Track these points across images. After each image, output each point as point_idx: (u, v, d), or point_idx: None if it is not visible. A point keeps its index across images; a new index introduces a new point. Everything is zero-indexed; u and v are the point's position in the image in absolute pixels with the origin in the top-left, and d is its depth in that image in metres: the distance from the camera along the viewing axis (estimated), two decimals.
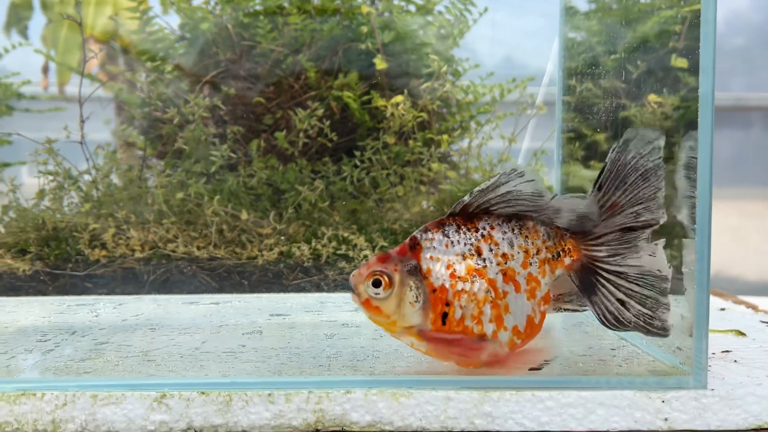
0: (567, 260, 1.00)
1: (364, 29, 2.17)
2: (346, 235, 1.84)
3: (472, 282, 0.96)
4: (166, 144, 2.13)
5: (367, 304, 0.97)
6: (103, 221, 1.79)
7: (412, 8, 2.28)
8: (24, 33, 2.72)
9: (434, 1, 2.26)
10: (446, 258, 0.96)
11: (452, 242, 0.97)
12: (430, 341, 0.97)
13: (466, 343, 0.96)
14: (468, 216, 0.98)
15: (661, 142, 1.00)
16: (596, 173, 1.88)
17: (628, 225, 0.98)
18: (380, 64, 2.10)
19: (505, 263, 0.97)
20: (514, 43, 2.45)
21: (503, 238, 0.98)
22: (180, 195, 1.87)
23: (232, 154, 1.96)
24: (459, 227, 0.98)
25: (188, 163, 1.99)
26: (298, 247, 1.83)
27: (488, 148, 2.26)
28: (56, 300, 1.66)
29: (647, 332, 0.99)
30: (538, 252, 0.99)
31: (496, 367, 1.00)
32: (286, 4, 2.15)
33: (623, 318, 0.99)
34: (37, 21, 2.60)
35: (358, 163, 2.03)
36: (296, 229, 1.88)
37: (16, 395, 0.95)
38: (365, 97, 2.10)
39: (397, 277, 0.96)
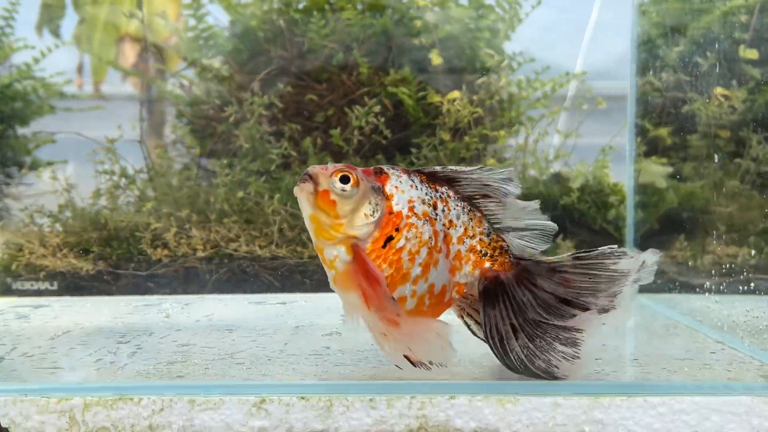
0: (487, 265, 1.00)
1: (417, 24, 2.13)
2: None
3: (424, 223, 0.97)
4: (217, 143, 2.12)
5: (324, 195, 0.94)
6: (164, 220, 1.78)
7: (464, 2, 2.23)
8: (56, 32, 2.72)
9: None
10: (408, 193, 0.98)
11: (416, 186, 0.99)
12: (357, 259, 0.93)
13: (379, 289, 0.93)
14: (432, 178, 1.01)
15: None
16: (667, 169, 1.83)
17: (563, 297, 0.97)
18: (436, 59, 2.07)
19: (449, 228, 0.99)
20: (566, 36, 2.40)
21: (455, 207, 1.00)
22: (240, 194, 1.85)
23: (292, 152, 1.93)
24: (422, 181, 1.00)
25: (245, 162, 1.97)
26: None
27: (544, 144, 2.22)
28: (122, 300, 1.65)
29: (525, 367, 0.97)
30: (473, 236, 1.00)
31: (392, 323, 0.94)
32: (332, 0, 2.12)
33: (508, 343, 0.97)
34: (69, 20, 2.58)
35: (414, 161, 2.00)
36: None
37: (113, 400, 0.93)
38: (421, 93, 2.06)
39: (363, 185, 0.95)
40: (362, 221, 0.95)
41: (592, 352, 0.99)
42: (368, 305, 0.94)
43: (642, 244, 1.80)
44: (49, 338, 1.24)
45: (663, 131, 2.00)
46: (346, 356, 1.11)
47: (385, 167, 0.99)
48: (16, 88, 2.19)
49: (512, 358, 0.97)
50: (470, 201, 1.01)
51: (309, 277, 1.79)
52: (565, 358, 0.96)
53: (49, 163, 2.12)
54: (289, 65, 2.15)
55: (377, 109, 1.99)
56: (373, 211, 0.95)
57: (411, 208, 0.97)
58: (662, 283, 1.65)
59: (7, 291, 1.71)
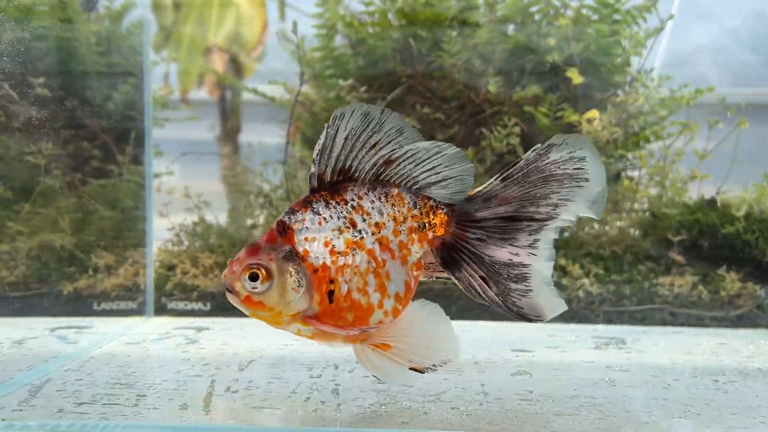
0: (430, 234, 0.97)
1: (551, 41, 2.08)
2: (562, 262, 1.76)
3: (353, 255, 0.93)
4: None
5: (248, 300, 0.92)
6: None
7: (596, 17, 2.16)
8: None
9: (619, 9, 2.14)
10: (322, 236, 0.93)
11: (324, 219, 0.93)
12: (315, 326, 0.93)
13: (349, 334, 0.93)
14: (332, 189, 0.93)
15: (584, 153, 0.94)
16: None
17: (509, 214, 0.96)
18: (576, 77, 2.00)
19: (379, 232, 0.95)
20: (694, 50, 2.31)
21: (373, 207, 0.95)
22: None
23: None
24: (327, 202, 0.94)
25: None
26: None
27: (681, 164, 2.13)
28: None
29: (513, 314, 0.98)
30: (404, 220, 0.96)
31: (384, 346, 0.96)
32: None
33: (487, 295, 0.97)
34: None
35: None
36: None
37: None
38: (559, 113, 2.01)
39: (273, 266, 0.91)
40: (294, 297, 0.92)
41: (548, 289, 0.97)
42: (356, 337, 0.94)
43: None
44: (239, 369, 1.24)
45: None
46: (608, 404, 1.07)
47: (285, 219, 0.93)
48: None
49: (500, 307, 0.97)
50: (378, 181, 0.95)
51: (454, 302, 1.76)
52: (520, 295, 0.96)
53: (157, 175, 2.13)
54: (415, 84, 2.12)
55: (517, 130, 1.95)
56: (299, 283, 0.92)
57: (332, 251, 0.93)
58: None
59: (162, 310, 1.73)
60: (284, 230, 0.93)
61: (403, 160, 0.94)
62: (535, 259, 0.96)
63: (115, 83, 2.06)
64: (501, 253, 0.96)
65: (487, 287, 0.97)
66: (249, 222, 1.96)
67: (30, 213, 1.85)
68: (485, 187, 0.97)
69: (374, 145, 0.93)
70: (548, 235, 0.97)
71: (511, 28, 2.17)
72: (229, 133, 3.11)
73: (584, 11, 2.11)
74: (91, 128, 1.99)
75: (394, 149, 0.94)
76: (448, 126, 2.10)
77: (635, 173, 2.14)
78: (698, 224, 1.75)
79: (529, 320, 0.98)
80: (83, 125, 1.97)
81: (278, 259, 0.91)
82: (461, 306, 1.75)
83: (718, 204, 1.78)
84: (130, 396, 1.08)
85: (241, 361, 1.28)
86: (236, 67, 3.16)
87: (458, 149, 0.96)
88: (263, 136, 2.45)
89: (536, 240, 0.97)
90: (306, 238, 0.92)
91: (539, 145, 0.95)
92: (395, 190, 0.96)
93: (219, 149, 3.04)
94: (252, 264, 0.91)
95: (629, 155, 2.09)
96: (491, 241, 0.96)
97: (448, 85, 2.13)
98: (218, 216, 2.07)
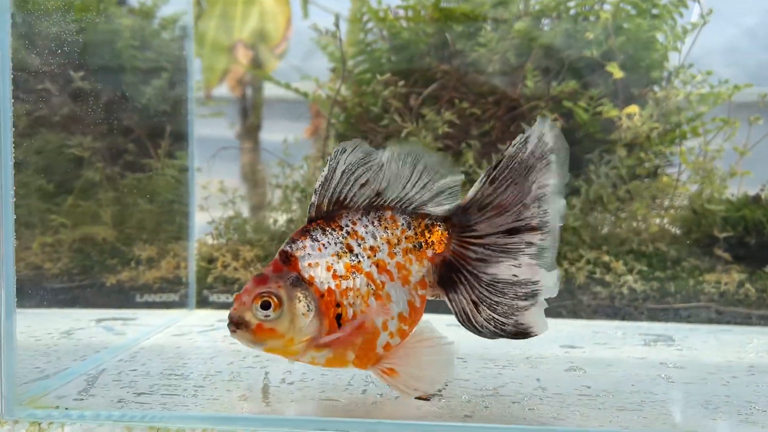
0: (429, 252, 0.98)
1: (589, 35, 2.06)
2: (606, 258, 1.74)
3: (353, 278, 0.95)
4: None
5: (259, 329, 0.93)
6: None
7: (633, 11, 2.14)
8: None
9: (658, 4, 2.11)
10: (324, 261, 0.95)
11: (323, 245, 0.96)
12: (333, 345, 0.94)
13: (365, 328, 0.94)
14: (327, 217, 0.96)
15: (546, 137, 0.96)
16: None
17: (509, 226, 0.96)
18: (617, 72, 1.98)
19: (375, 255, 0.97)
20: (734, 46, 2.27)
21: (366, 232, 0.97)
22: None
23: (479, 170, 1.89)
24: (324, 229, 0.97)
25: None
26: None
27: (720, 161, 2.10)
28: None
29: (506, 335, 0.98)
30: (399, 242, 0.98)
31: (390, 371, 0.97)
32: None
33: (476, 320, 0.97)
34: None
35: (594, 178, 1.92)
36: None
37: None
38: (599, 108, 1.99)
39: (283, 293, 0.93)
40: (305, 321, 0.93)
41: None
42: (368, 360, 0.96)
43: None
44: (290, 362, 1.23)
45: None
46: (666, 401, 1.05)
47: (287, 248, 0.95)
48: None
49: (486, 332, 0.97)
50: (371, 206, 0.97)
51: None
52: (525, 310, 0.96)
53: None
54: (451, 79, 2.11)
55: (559, 124, 1.93)
56: (308, 307, 0.93)
57: (334, 275, 0.95)
58: None
59: (204, 302, 1.73)
60: (288, 259, 0.95)
61: (390, 185, 0.97)
62: (541, 272, 0.97)
63: (149, 78, 2.07)
64: (502, 270, 0.96)
65: (477, 312, 0.97)
66: (286, 216, 1.96)
67: (72, 206, 1.86)
68: (477, 193, 0.97)
69: (366, 182, 0.97)
70: (546, 243, 0.97)
71: (546, 23, 2.15)
72: (251, 129, 3.12)
73: (622, 5, 2.09)
74: (126, 122, 1.99)
75: (379, 180, 0.97)
76: (484, 121, 2.09)
77: (672, 170, 2.12)
78: (744, 221, 1.72)
79: (527, 335, 0.97)
80: (119, 119, 1.98)
81: (287, 286, 0.93)
82: None
83: (763, 201, 1.76)
84: (188, 386, 1.08)
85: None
86: (258, 63, 3.17)
87: (438, 155, 0.98)
88: (287, 133, 2.46)
89: (540, 250, 0.97)
90: (309, 264, 0.95)
91: (516, 139, 0.96)
92: (388, 213, 0.98)
93: (246, 145, 3.04)
94: (263, 293, 0.92)
95: (667, 152, 2.07)
96: (493, 259, 0.96)
97: (484, 80, 2.11)
98: (254, 211, 2.07)
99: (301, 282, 0.94)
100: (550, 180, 0.96)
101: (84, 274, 1.72)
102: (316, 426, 0.93)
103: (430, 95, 2.09)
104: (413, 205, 0.98)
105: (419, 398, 0.97)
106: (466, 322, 0.98)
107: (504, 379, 1.15)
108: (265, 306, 0.92)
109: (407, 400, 1.00)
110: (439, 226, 0.98)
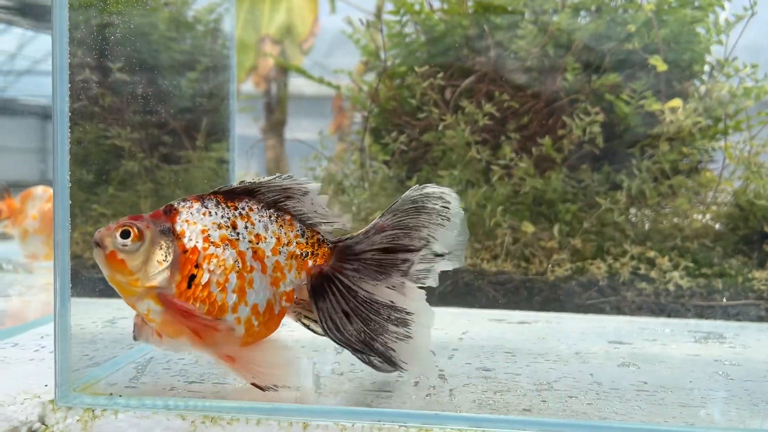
0: (310, 263, 1.01)
1: (631, 28, 2.02)
2: (651, 254, 1.70)
3: (224, 249, 0.96)
4: (409, 151, 2.08)
5: (112, 256, 0.94)
6: None
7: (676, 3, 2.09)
8: None
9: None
10: (201, 223, 0.97)
11: (210, 212, 0.98)
12: (168, 306, 0.94)
13: (201, 319, 0.94)
14: (229, 195, 0.99)
15: (451, 198, 1.00)
16: None
17: (384, 246, 0.99)
18: (660, 65, 1.94)
19: (257, 243, 0.99)
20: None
21: (260, 221, 0.99)
22: (462, 205, 1.79)
23: (520, 163, 1.86)
24: (219, 203, 0.99)
25: (458, 171, 1.92)
26: (593, 264, 1.71)
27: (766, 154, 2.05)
28: None
29: (372, 352, 0.99)
30: (288, 243, 1.00)
31: (229, 359, 0.97)
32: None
33: (345, 329, 0.99)
34: None
35: (637, 172, 1.89)
36: (583, 244, 1.77)
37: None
38: (641, 102, 1.95)
39: (148, 234, 0.94)
40: (156, 269, 0.94)
41: (426, 342, 0.97)
42: (203, 343, 0.95)
43: None
44: (336, 352, 1.22)
45: None
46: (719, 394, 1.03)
47: (175, 203, 0.97)
48: None
49: (353, 342, 0.99)
50: (275, 206, 1.00)
51: (537, 294, 1.72)
52: (398, 338, 0.97)
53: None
54: (488, 71, 2.08)
55: (600, 118, 1.90)
56: (165, 256, 0.94)
57: (206, 238, 0.96)
58: None
59: None
60: (170, 210, 0.98)
61: (299, 200, 1.00)
62: (418, 308, 0.98)
63: (186, 71, 2.07)
64: (381, 291, 0.98)
65: (347, 322, 0.98)
66: None
67: (111, 196, 1.87)
68: (368, 226, 1.01)
69: (288, 188, 1.00)
70: (425, 280, 0.99)
71: (585, 15, 2.12)
72: (276, 125, 3.11)
73: None
74: (163, 115, 2.00)
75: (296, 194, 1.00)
76: (522, 114, 2.06)
77: (713, 165, 2.07)
78: None
79: (392, 366, 0.98)
80: (156, 112, 1.98)
81: (155, 230, 0.96)
82: (544, 297, 1.71)
83: None
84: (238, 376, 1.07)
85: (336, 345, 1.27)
86: (285, 59, 3.15)
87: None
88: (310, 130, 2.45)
89: (418, 276, 0.98)
90: (187, 221, 0.97)
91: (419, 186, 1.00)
92: (288, 216, 1.01)
93: (271, 140, 3.04)
94: (128, 224, 0.94)
95: (709, 147, 2.02)
96: (367, 273, 0.99)
97: (522, 73, 2.08)
98: None
99: (170, 233, 0.96)
100: (439, 236, 0.98)
101: None
102: (370, 416, 0.92)
103: (466, 88, 2.07)
104: (310, 221, 1.01)
105: (254, 385, 0.98)
106: (333, 330, 0.99)
107: (557, 373, 1.12)
108: (125, 234, 0.94)
109: (461, 397, 0.99)
110: (327, 245, 1.01)
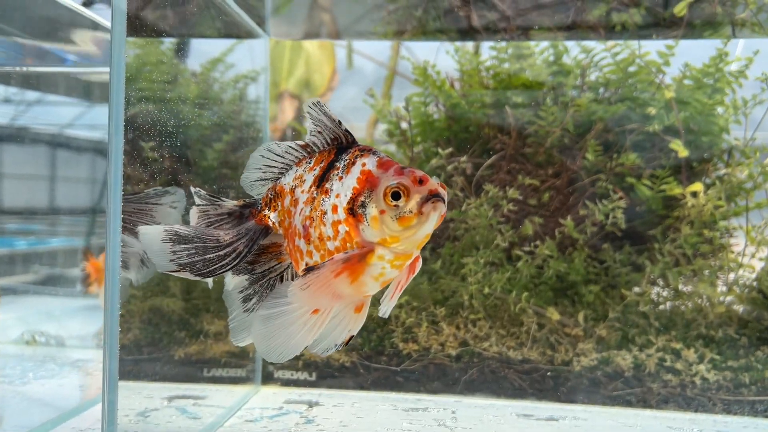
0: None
1: (651, 110, 2.06)
2: (676, 345, 1.71)
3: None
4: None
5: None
6: (416, 315, 1.77)
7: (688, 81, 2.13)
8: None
9: (723, 76, 2.10)
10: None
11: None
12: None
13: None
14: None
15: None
16: None
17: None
18: (681, 151, 1.98)
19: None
20: None
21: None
22: (486, 290, 1.81)
23: (542, 246, 1.88)
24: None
25: (481, 253, 1.94)
26: (618, 356, 1.71)
27: None
28: (398, 398, 1.64)
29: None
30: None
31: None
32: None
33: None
34: None
35: (659, 257, 1.90)
36: (608, 332, 1.77)
37: None
38: (663, 186, 1.98)
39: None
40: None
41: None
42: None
43: None
44: None
45: None
46: None
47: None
48: None
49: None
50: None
51: (562, 383, 1.72)
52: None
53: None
54: (509, 150, 2.12)
55: (623, 203, 1.92)
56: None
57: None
58: None
59: (269, 378, 1.74)
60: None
61: None
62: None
63: (216, 137, 2.11)
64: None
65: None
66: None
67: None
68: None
69: None
70: None
71: (605, 93, 2.16)
72: None
73: (687, 81, 2.09)
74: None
75: None
76: (542, 191, 2.09)
77: (734, 240, 2.09)
78: None
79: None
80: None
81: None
82: (569, 388, 1.71)
83: None
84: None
85: None
86: (303, 114, 3.21)
87: None
88: None
89: None
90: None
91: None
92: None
93: None
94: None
95: (731, 228, 2.04)
96: None
97: (543, 151, 2.12)
98: None
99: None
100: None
101: (152, 346, 1.74)
102: None
103: (490, 166, 2.11)
104: None
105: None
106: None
107: None
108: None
109: None
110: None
